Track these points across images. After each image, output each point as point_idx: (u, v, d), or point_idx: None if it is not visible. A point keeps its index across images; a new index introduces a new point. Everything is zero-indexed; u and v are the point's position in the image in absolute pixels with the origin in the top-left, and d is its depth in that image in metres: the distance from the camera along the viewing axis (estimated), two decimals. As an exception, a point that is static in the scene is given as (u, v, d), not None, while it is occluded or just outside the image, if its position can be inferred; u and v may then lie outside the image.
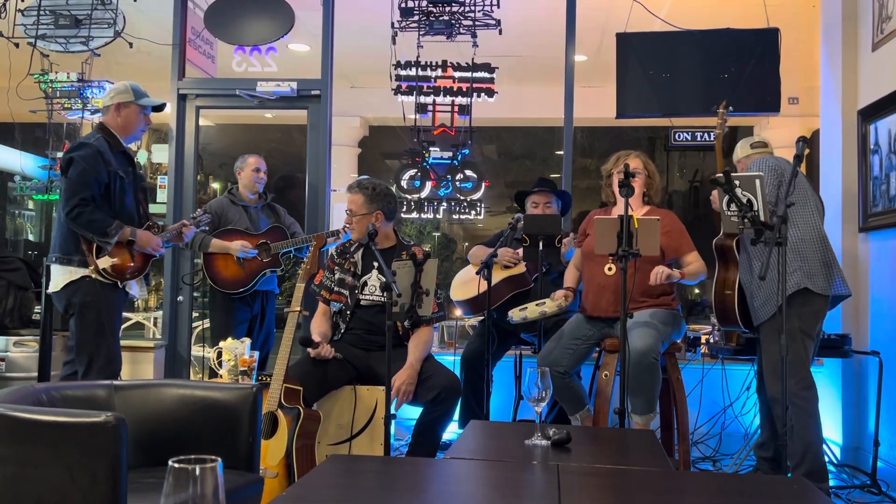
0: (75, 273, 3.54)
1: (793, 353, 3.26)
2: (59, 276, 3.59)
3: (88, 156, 3.51)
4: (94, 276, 3.54)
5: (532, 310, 3.58)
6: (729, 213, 3.21)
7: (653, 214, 3.57)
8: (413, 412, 3.49)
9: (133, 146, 8.03)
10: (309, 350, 3.42)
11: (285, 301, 6.25)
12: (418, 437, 3.38)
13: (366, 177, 3.86)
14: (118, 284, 3.59)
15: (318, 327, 3.61)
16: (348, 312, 3.58)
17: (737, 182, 3.12)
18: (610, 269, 3.58)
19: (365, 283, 3.60)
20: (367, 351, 3.52)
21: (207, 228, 4.37)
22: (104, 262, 3.52)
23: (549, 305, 3.58)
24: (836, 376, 4.50)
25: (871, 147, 4.33)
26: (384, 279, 3.52)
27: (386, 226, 3.64)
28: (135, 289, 3.75)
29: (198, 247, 4.45)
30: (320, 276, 3.71)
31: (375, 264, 3.57)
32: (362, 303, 3.57)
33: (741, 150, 3.84)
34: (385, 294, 2.98)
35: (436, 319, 3.59)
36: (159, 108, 3.87)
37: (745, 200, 3.09)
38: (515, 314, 3.61)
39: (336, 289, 3.63)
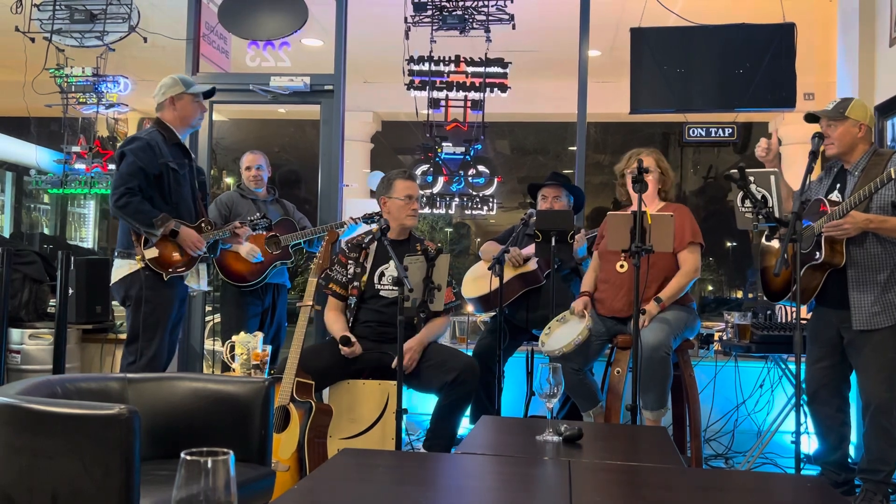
0: (132, 266, 3.60)
1: None
2: (118, 269, 3.66)
3: (139, 148, 3.55)
4: (141, 266, 3.56)
5: (568, 345, 3.40)
6: (743, 209, 3.18)
7: (667, 210, 3.55)
8: (426, 406, 3.50)
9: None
10: (342, 348, 3.44)
11: (298, 296, 6.26)
12: (436, 424, 3.39)
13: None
14: (164, 277, 3.59)
15: (339, 324, 3.60)
16: (356, 306, 3.60)
17: (751, 178, 3.10)
18: (622, 265, 3.56)
19: (382, 274, 3.61)
20: (380, 343, 3.53)
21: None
22: (149, 253, 3.55)
23: (583, 332, 3.41)
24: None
25: (888, 143, 4.29)
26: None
27: None
28: (193, 283, 3.76)
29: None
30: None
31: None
32: (381, 293, 3.59)
33: None
34: (399, 289, 2.98)
35: (452, 308, 3.66)
36: (210, 93, 3.87)
37: (759, 197, 3.07)
38: (549, 347, 3.48)
39: (354, 283, 3.64)
